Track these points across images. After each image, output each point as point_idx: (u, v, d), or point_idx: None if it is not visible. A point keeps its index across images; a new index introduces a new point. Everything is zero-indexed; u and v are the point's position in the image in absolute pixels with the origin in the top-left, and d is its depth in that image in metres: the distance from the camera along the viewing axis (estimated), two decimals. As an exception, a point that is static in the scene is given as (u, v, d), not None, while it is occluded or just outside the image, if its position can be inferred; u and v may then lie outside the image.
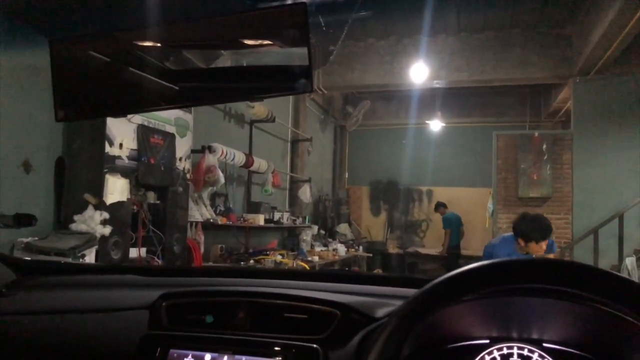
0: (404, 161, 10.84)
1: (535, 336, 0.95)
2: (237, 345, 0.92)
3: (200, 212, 5.33)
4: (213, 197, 5.90)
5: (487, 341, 0.95)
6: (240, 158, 6.00)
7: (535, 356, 0.93)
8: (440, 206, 9.68)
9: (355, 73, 8.15)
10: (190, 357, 0.92)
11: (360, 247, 9.51)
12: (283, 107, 8.17)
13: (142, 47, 0.90)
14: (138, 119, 4.08)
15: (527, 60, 7.52)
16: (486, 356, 0.94)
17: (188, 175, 4.86)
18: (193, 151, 5.01)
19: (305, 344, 0.90)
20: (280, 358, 0.89)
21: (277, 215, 7.06)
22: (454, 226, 9.27)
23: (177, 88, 0.92)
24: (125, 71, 0.90)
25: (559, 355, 0.92)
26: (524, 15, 7.16)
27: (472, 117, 10.59)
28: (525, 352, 0.93)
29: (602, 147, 7.31)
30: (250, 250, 6.32)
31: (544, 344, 0.93)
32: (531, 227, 3.09)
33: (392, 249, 10.61)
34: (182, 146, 4.74)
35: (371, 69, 8.05)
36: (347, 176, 11.60)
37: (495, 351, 0.94)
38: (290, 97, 8.41)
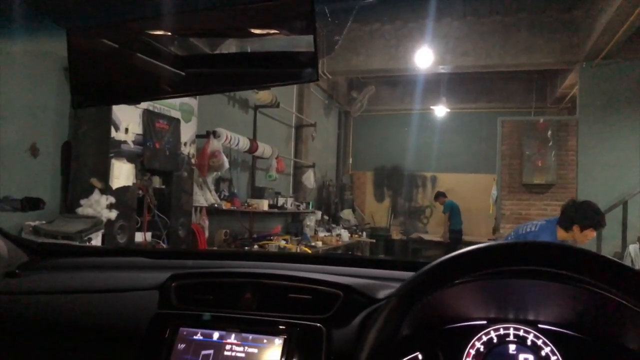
0: (409, 147, 10.84)
1: (531, 317, 0.97)
2: (243, 324, 0.95)
3: (204, 197, 5.37)
4: (217, 182, 5.94)
5: (485, 322, 0.98)
6: (244, 143, 6.02)
7: (530, 337, 0.95)
8: (440, 196, 9.63)
9: (360, 58, 8.11)
10: (199, 334, 0.95)
11: (364, 233, 9.55)
12: (287, 93, 8.16)
13: (153, 36, 0.92)
14: (143, 104, 4.10)
15: (534, 46, 7.45)
16: (483, 336, 0.96)
17: (193, 160, 4.88)
18: (198, 136, 5.03)
19: (309, 323, 0.92)
20: (285, 336, 0.91)
21: (281, 201, 7.10)
22: (454, 211, 9.27)
23: (187, 76, 0.94)
24: (138, 59, 0.92)
25: (553, 335, 0.94)
26: (530, -1, 7.10)
27: (478, 103, 10.53)
28: (521, 333, 0.95)
29: (607, 134, 7.29)
30: (255, 236, 6.37)
31: (539, 325, 0.96)
32: (595, 211, 3.04)
33: (396, 235, 10.65)
34: (187, 131, 4.76)
35: (376, 54, 8.01)
36: (351, 162, 11.60)
37: (492, 332, 0.96)
38: (295, 82, 8.39)
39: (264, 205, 6.50)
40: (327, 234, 8.09)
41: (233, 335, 0.94)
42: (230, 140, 5.66)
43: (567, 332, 0.95)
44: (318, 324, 0.91)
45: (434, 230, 10.55)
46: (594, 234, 3.06)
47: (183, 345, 0.94)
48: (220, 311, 0.99)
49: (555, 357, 0.93)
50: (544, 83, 10.19)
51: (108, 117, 3.81)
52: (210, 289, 1.05)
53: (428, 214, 11.18)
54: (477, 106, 10.54)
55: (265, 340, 0.91)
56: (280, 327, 0.93)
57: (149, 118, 4.17)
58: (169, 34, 0.92)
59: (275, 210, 6.95)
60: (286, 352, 0.89)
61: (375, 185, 11.62)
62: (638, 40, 6.67)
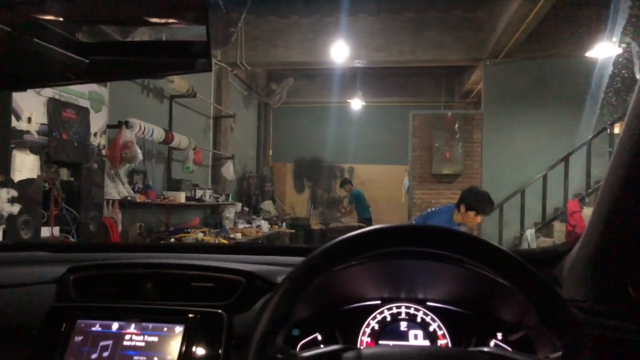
0: (327, 139, 11.05)
1: (420, 296, 1.06)
2: (143, 314, 0.95)
3: (117, 189, 5.19)
4: (131, 174, 5.74)
5: (379, 302, 1.05)
6: (159, 134, 5.87)
7: (420, 314, 1.04)
8: (346, 183, 9.70)
9: (279, 50, 8.13)
10: (97, 326, 0.95)
11: (284, 224, 9.63)
12: (205, 83, 8.02)
13: (46, 19, 0.88)
14: (48, 92, 3.90)
15: (442, 43, 7.81)
16: (378, 315, 1.04)
17: (104, 152, 4.70)
18: (109, 126, 4.84)
19: (209, 310, 0.94)
20: (185, 324, 0.92)
21: (199, 193, 6.99)
22: (360, 200, 9.43)
23: (87, 61, 0.91)
24: (29, 43, 0.88)
25: (440, 312, 1.04)
26: (439, -2, 7.43)
27: (391, 97, 10.86)
28: (412, 311, 1.04)
29: (509, 127, 7.77)
30: (171, 229, 6.25)
31: (428, 303, 1.05)
32: (487, 201, 3.34)
33: (315, 225, 10.81)
34: (97, 121, 4.57)
35: (294, 46, 8.07)
36: (271, 153, 11.61)
37: (385, 311, 1.05)
38: (213, 73, 8.27)
39: (181, 197, 6.38)
40: (247, 225, 8.07)
41: (133, 325, 0.94)
42: (144, 130, 5.50)
43: (452, 308, 1.04)
44: (219, 311, 0.93)
45: (351, 220, 10.82)
46: (479, 219, 3.34)
47: (80, 338, 0.93)
48: (121, 302, 0.99)
49: (441, 332, 1.02)
50: (453, 79, 10.69)
51: (8, 105, 3.58)
52: (110, 281, 1.04)
53: (346, 204, 11.47)
54: (390, 100, 10.88)
55: (165, 329, 0.92)
56: (181, 315, 0.94)
57: (54, 107, 3.97)
58: (60, 16, 0.89)
59: (193, 202, 6.83)
60: (187, 339, 0.90)
61: (295, 176, 11.71)
62: (535, 40, 7.13)
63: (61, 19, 0.90)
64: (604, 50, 5.87)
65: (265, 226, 8.27)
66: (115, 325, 0.94)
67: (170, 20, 0.87)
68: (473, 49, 7.82)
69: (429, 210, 3.86)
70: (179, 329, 0.92)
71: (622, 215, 0.81)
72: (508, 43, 7.02)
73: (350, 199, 9.57)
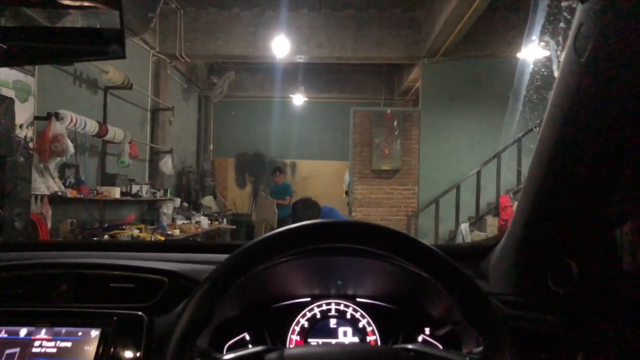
0: (270, 134, 11.00)
1: (350, 292, 1.06)
2: (56, 317, 0.90)
3: (46, 184, 4.93)
4: (62, 168, 5.49)
5: (309, 299, 1.05)
6: (92, 126, 5.63)
7: (350, 310, 1.04)
8: (277, 171, 9.03)
9: (219, 42, 8.00)
10: (3, 332, 0.88)
11: (225, 220, 9.51)
12: (142, 74, 7.77)
13: None
14: (-34, 80, 3.67)
15: (382, 41, 7.94)
16: (307, 313, 1.03)
17: (31, 144, 4.47)
18: (37, 118, 4.61)
19: (128, 312, 0.89)
20: (102, 327, 0.87)
21: (135, 188, 6.77)
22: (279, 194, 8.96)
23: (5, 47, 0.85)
24: None
25: (370, 308, 1.04)
26: (379, -4, 7.53)
27: (333, 93, 10.94)
28: (342, 307, 1.05)
29: (445, 124, 7.98)
30: (106, 225, 6.02)
31: (357, 299, 1.05)
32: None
33: (257, 220, 10.74)
34: (23, 112, 4.35)
35: (235, 39, 7.96)
36: (212, 148, 11.41)
37: (315, 308, 1.04)
38: (151, 63, 8.02)
39: (116, 192, 6.15)
40: (186, 221, 7.90)
41: (43, 331, 0.88)
42: (76, 123, 5.25)
43: (382, 304, 1.05)
44: (139, 313, 0.89)
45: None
46: None
47: None
48: (31, 305, 0.93)
49: (371, 328, 1.02)
50: (393, 76, 10.88)
51: None
52: (22, 283, 0.97)
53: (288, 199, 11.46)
54: (332, 96, 10.95)
55: (80, 333, 0.87)
56: (97, 318, 0.89)
57: (-27, 97, 3.73)
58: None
59: (129, 198, 6.61)
60: (103, 343, 0.85)
61: (237, 171, 11.58)
62: (470, 40, 7.38)
63: None
64: (533, 51, 6.17)
65: (205, 222, 8.13)
66: (23, 331, 0.88)
67: (84, 4, 0.83)
68: (412, 48, 7.98)
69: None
70: (95, 333, 0.87)
71: (542, 210, 0.84)
72: (445, 43, 7.21)
73: (276, 189, 8.88)
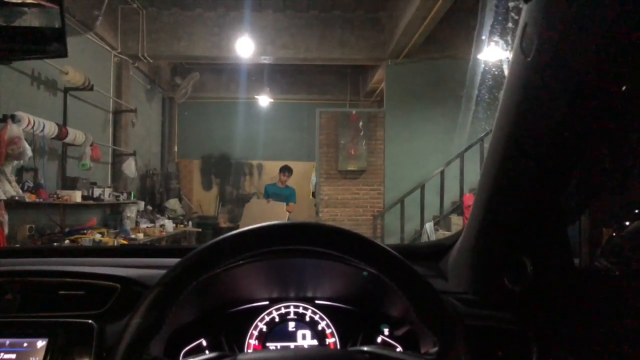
0: (235, 135, 10.93)
1: (309, 295, 1.05)
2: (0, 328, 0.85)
3: (3, 188, 4.77)
4: (20, 172, 5.32)
5: (267, 302, 1.04)
6: (51, 129, 5.47)
7: (309, 313, 1.04)
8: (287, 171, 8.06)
9: (182, 43, 7.90)
10: None
11: (190, 223, 9.38)
12: (103, 75, 7.60)
13: None
14: None
15: (347, 42, 7.99)
16: (266, 316, 1.02)
17: (-15, 148, 4.32)
18: (-8, 120, 4.46)
19: (77, 320, 0.86)
20: (49, 337, 0.83)
21: (97, 192, 6.61)
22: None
23: None
24: None
25: (329, 310, 1.04)
26: (343, -3, 7.56)
27: (299, 94, 10.93)
28: (300, 310, 1.04)
29: (409, 125, 8.08)
30: (67, 230, 5.86)
31: (316, 301, 1.05)
32: None
33: (224, 223, 10.64)
34: (-23, 115, 4.19)
35: (198, 40, 7.87)
36: (177, 150, 11.24)
37: (274, 311, 1.03)
38: (112, 64, 7.86)
39: (77, 196, 5.99)
40: (150, 225, 7.76)
41: None
42: (34, 125, 5.10)
43: (340, 305, 1.05)
44: (89, 321, 0.85)
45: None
46: None
47: None
48: None
49: (330, 330, 1.02)
50: (358, 77, 10.94)
51: None
52: None
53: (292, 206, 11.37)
54: (298, 97, 10.94)
55: (25, 344, 0.82)
56: (44, 327, 0.84)
57: None
58: None
59: (91, 201, 6.45)
60: (50, 353, 0.81)
61: (202, 173, 11.44)
62: (433, 42, 7.50)
63: None
64: (492, 52, 6.33)
65: (169, 225, 8.01)
66: None
67: (26, 0, 0.80)
68: (376, 49, 8.06)
69: None
70: (41, 344, 0.82)
71: (496, 209, 0.85)
72: (408, 44, 7.31)
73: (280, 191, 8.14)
